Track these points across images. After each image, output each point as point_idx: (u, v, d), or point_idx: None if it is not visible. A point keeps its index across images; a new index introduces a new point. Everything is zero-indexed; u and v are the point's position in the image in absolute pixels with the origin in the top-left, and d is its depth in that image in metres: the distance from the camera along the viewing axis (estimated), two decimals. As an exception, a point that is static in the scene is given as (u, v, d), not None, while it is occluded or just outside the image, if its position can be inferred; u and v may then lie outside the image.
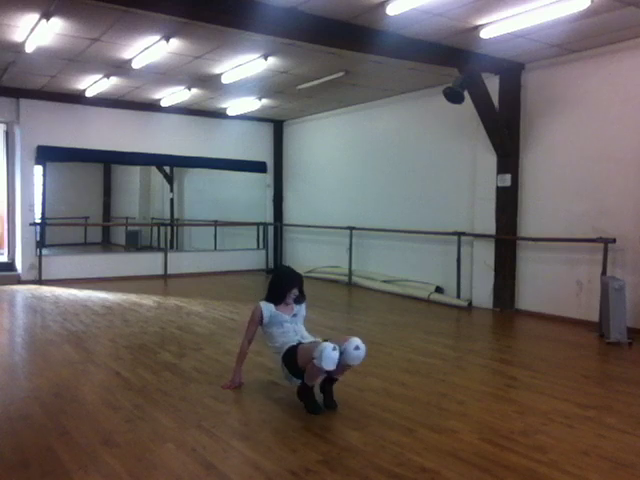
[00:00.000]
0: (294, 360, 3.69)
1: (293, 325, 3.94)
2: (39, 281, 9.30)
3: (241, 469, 2.82)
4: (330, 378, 3.70)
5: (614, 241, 6.08)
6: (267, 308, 3.96)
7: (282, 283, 4.03)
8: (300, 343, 3.79)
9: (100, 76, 8.14)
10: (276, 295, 4.00)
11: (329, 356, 3.42)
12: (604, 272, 6.07)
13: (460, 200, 8.03)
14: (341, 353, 3.52)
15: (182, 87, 8.77)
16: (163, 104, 9.90)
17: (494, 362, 5.08)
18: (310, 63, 7.24)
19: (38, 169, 9.88)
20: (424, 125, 8.67)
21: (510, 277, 7.27)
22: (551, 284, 6.87)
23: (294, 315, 3.99)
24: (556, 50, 6.44)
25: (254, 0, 5.11)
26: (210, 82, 8.35)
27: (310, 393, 3.64)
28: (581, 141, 6.57)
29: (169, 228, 12.35)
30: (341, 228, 9.93)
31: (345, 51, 6.51)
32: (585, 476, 2.78)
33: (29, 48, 6.59)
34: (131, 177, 15.36)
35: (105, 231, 15.86)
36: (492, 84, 7.10)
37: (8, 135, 9.71)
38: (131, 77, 8.13)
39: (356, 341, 3.58)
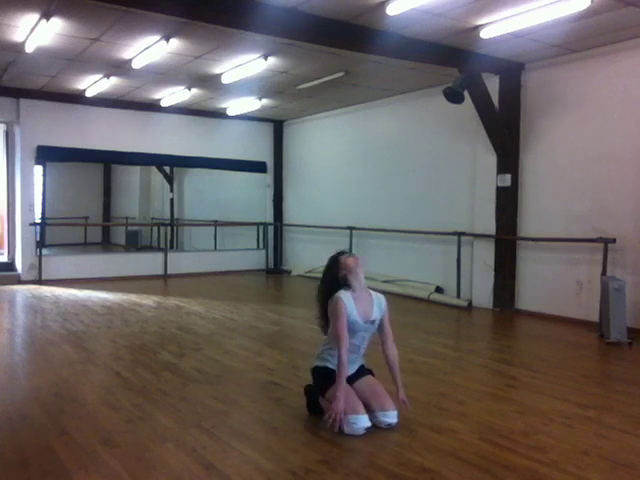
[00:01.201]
0: (322, 387, 3.41)
1: (364, 336, 3.42)
2: (39, 281, 9.30)
3: (241, 469, 2.81)
4: None
5: (614, 241, 6.08)
6: (346, 298, 3.33)
7: (334, 257, 3.57)
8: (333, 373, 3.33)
9: (100, 76, 8.14)
10: (335, 273, 3.47)
11: (358, 433, 3.18)
12: (604, 272, 6.06)
13: (460, 200, 8.03)
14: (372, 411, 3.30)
15: (182, 87, 8.77)
16: (163, 104, 9.89)
17: (494, 362, 5.08)
18: (310, 63, 7.24)
19: (38, 169, 9.88)
20: (424, 125, 8.67)
21: (510, 277, 7.27)
22: (551, 284, 6.87)
23: (372, 322, 3.39)
24: (556, 50, 6.44)
25: (254, 0, 5.11)
26: (210, 82, 8.35)
27: (315, 394, 3.61)
28: (581, 141, 6.57)
29: (169, 228, 12.35)
30: (341, 228, 9.93)
31: (345, 51, 6.51)
32: (585, 476, 2.78)
33: (29, 48, 6.58)
34: (131, 177, 15.36)
35: (105, 231, 15.86)
36: (492, 84, 7.10)
37: (8, 135, 9.71)
38: (131, 77, 8.12)
39: (392, 418, 3.32)
